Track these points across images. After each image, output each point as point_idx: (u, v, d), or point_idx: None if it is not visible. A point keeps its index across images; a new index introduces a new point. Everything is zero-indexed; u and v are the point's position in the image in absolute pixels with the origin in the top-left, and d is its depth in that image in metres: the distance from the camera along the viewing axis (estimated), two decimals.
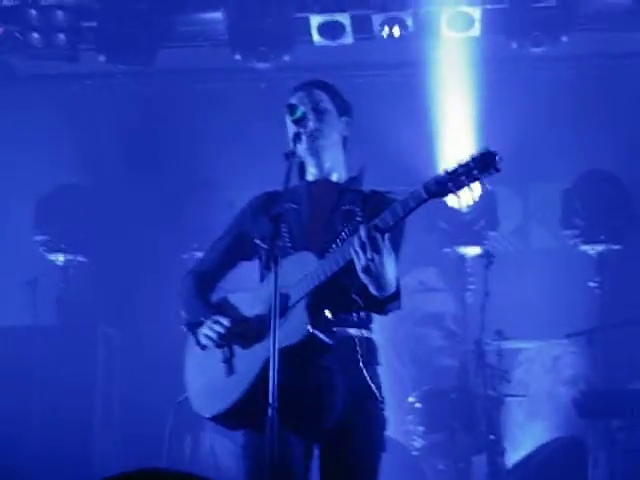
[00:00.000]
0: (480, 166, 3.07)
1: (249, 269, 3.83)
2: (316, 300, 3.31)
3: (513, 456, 6.57)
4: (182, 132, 8.06)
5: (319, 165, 3.63)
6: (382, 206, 3.39)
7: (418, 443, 6.45)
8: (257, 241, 3.62)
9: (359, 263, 3.14)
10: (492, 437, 6.23)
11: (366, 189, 3.63)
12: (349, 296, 3.40)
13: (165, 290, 5.21)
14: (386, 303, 3.29)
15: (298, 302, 3.32)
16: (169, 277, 5.52)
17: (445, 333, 7.87)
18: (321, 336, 3.28)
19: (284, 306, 3.32)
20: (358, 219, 3.48)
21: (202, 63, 8.13)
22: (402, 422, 6.32)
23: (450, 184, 3.11)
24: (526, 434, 7.36)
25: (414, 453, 6.45)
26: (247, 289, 3.63)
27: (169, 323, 4.63)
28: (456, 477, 6.33)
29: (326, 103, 3.65)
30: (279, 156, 3.68)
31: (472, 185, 3.11)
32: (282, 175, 3.51)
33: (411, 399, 6.53)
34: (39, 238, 7.85)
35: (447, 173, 3.12)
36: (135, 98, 8.33)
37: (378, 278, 3.18)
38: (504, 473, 6.26)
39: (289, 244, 3.47)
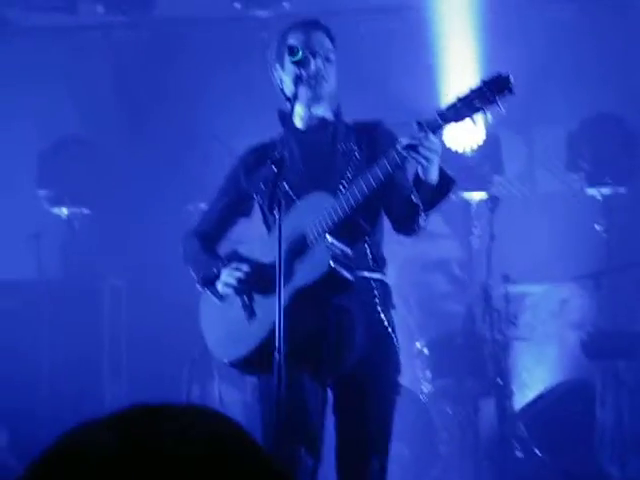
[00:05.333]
0: (494, 89, 3.08)
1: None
2: (335, 236, 3.33)
3: (520, 399, 6.61)
4: (183, 82, 8.00)
5: (314, 111, 3.61)
6: (377, 138, 3.42)
7: (426, 388, 6.48)
8: (256, 195, 3.62)
9: (422, 161, 3.19)
10: (500, 381, 6.26)
11: (349, 120, 3.63)
12: (367, 230, 3.43)
13: (170, 241, 5.21)
14: (443, 188, 3.31)
15: (317, 240, 3.33)
16: (173, 228, 5.53)
17: (451, 279, 7.87)
18: (343, 271, 3.30)
19: (302, 246, 3.34)
20: (356, 156, 3.50)
21: (202, 12, 8.05)
22: (410, 368, 6.34)
23: (463, 109, 3.12)
24: (533, 377, 7.39)
25: (422, 398, 6.48)
26: (255, 239, 3.63)
27: (175, 273, 4.63)
28: (464, 421, 6.36)
29: (330, 49, 3.62)
30: (280, 105, 3.65)
31: (487, 109, 3.11)
32: (279, 125, 3.49)
33: (418, 345, 6.55)
34: (42, 192, 7.83)
35: (459, 99, 3.13)
36: (134, 49, 8.26)
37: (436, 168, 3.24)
38: (512, 416, 6.29)
39: (289, 191, 3.47)
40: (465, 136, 7.13)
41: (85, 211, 7.95)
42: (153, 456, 0.95)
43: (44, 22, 8.11)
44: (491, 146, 7.39)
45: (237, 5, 7.49)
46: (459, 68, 7.41)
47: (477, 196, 7.48)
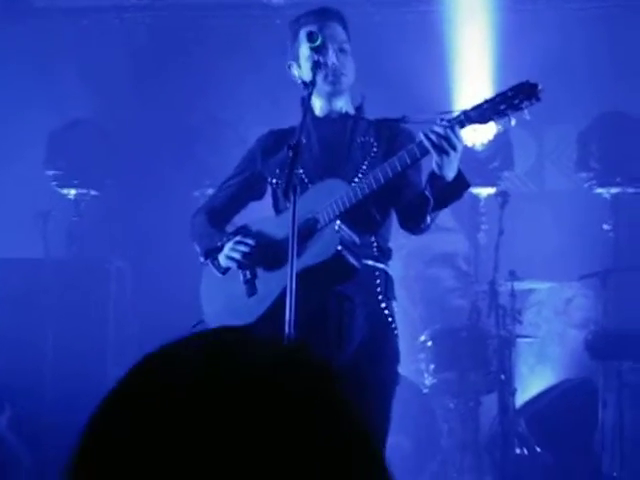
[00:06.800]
0: (522, 95, 3.10)
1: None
2: (345, 222, 3.34)
3: (522, 397, 6.60)
4: (194, 68, 7.99)
5: (335, 104, 3.62)
6: (396, 135, 3.42)
7: (428, 381, 6.47)
8: (271, 178, 3.62)
9: (441, 152, 3.18)
10: (503, 377, 6.25)
11: (372, 117, 3.64)
12: (376, 221, 3.43)
13: (176, 225, 5.21)
14: (456, 188, 3.31)
15: (327, 224, 3.34)
16: (181, 213, 5.52)
17: (457, 273, 7.85)
18: (349, 257, 3.31)
19: (313, 229, 3.35)
20: (374, 150, 3.51)
21: None
22: (413, 360, 6.34)
23: (489, 111, 3.15)
24: (536, 375, 7.38)
25: (424, 391, 6.48)
26: (264, 218, 3.63)
27: (181, 257, 4.64)
28: (466, 415, 6.36)
29: (344, 40, 3.62)
30: (292, 93, 3.65)
31: (513, 115, 3.14)
32: (295, 111, 3.49)
33: (422, 337, 6.55)
34: (51, 172, 7.84)
35: (486, 101, 3.16)
36: (147, 32, 8.25)
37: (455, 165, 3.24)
38: (513, 413, 6.28)
39: (304, 177, 3.47)
40: (476, 131, 7.11)
41: (93, 192, 7.95)
42: (242, 382, 0.94)
43: (59, 3, 8.10)
44: (502, 141, 7.37)
45: None
46: (472, 62, 7.40)
47: (486, 191, 7.46)
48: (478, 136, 7.12)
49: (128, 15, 8.23)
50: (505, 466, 6.13)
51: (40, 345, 6.83)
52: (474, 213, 7.60)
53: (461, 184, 3.30)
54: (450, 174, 3.24)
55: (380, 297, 3.48)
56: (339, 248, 3.30)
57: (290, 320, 3.04)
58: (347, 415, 1.00)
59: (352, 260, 3.34)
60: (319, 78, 3.51)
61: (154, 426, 0.93)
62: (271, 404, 0.93)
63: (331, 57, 3.53)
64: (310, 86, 3.42)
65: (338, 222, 3.34)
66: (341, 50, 3.58)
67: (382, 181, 3.30)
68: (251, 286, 3.50)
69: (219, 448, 0.90)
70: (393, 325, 3.50)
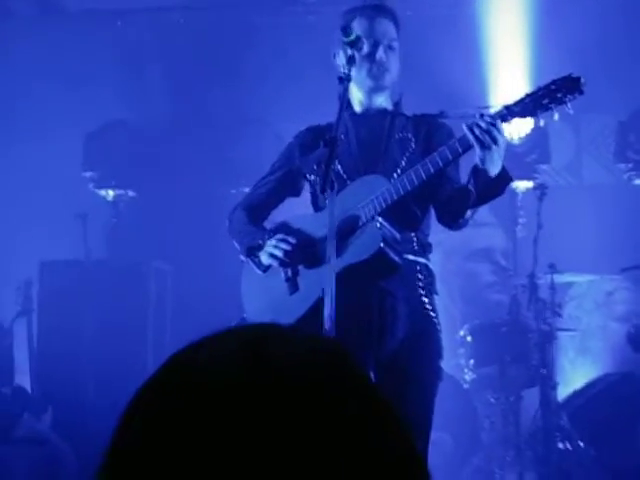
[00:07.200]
0: (565, 89, 3.07)
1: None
2: (386, 218, 3.33)
3: (564, 391, 6.55)
4: (230, 66, 8.00)
5: (375, 100, 3.60)
6: (434, 131, 3.40)
7: (469, 376, 6.44)
8: (309, 175, 3.62)
9: (484, 147, 3.17)
10: (544, 371, 6.21)
11: (409, 113, 3.63)
12: (416, 216, 3.43)
13: (215, 225, 5.22)
14: (500, 183, 3.30)
15: (369, 221, 3.33)
16: (218, 212, 5.53)
17: (495, 268, 7.81)
18: (391, 254, 3.31)
19: (355, 226, 3.35)
20: (413, 146, 3.50)
21: None
22: (453, 355, 6.31)
23: (531, 105, 3.13)
24: (577, 369, 7.33)
25: (465, 386, 6.45)
26: (305, 215, 3.63)
27: (219, 256, 4.64)
28: (507, 410, 6.33)
29: (394, 37, 3.60)
30: (328, 90, 3.65)
31: (556, 108, 3.11)
32: (333, 111, 3.49)
33: (462, 332, 6.52)
34: (88, 174, 7.89)
35: (527, 95, 3.14)
36: (183, 32, 8.28)
37: (498, 160, 3.23)
38: (556, 407, 6.24)
39: (342, 173, 3.47)
40: (513, 124, 7.06)
41: (131, 193, 8.00)
42: (282, 379, 0.94)
43: (93, 5, 8.15)
44: (539, 134, 7.32)
45: None
46: (508, 54, 7.35)
47: (523, 185, 7.41)
48: (515, 129, 7.08)
49: (161, 15, 8.27)
50: (548, 461, 6.09)
51: (81, 347, 6.88)
52: (512, 207, 7.55)
53: (504, 179, 3.28)
54: (493, 169, 3.22)
55: (422, 292, 3.47)
56: (381, 245, 3.30)
57: (329, 317, 3.03)
58: (389, 425, 0.98)
59: (394, 256, 3.33)
60: (363, 72, 3.51)
61: (184, 429, 0.91)
62: (307, 413, 0.92)
63: (379, 52, 3.52)
64: (345, 80, 3.41)
65: (380, 219, 3.34)
66: (390, 47, 3.57)
67: (424, 177, 3.28)
68: (293, 284, 3.49)
69: (250, 454, 0.89)
70: (436, 320, 3.49)
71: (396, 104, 3.64)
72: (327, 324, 3.00)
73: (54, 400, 6.51)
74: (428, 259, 3.53)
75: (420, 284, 3.46)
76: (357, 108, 3.63)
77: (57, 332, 6.91)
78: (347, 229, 3.35)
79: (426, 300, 3.47)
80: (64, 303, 6.98)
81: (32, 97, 7.86)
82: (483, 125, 3.15)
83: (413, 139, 3.54)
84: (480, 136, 3.15)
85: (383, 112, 3.60)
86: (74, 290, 7.00)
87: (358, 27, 3.54)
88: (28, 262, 7.25)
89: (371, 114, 3.61)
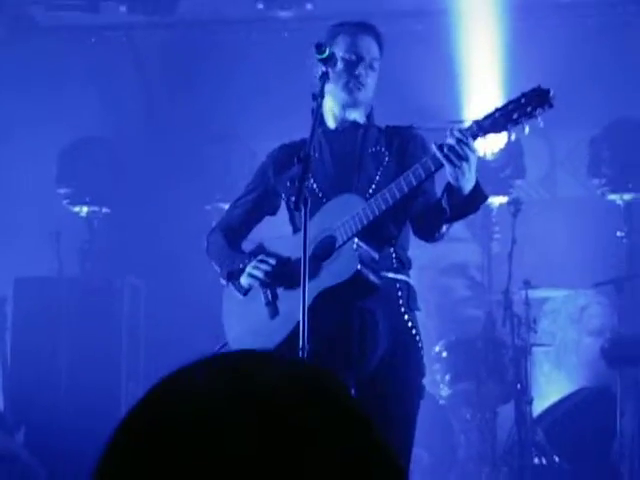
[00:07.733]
0: (534, 102, 3.05)
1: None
2: (363, 239, 3.32)
3: (539, 406, 6.56)
4: (204, 83, 7.99)
5: (349, 114, 3.59)
6: (407, 142, 3.40)
7: (445, 392, 6.44)
8: (284, 193, 3.61)
9: (455, 165, 3.14)
10: (519, 386, 6.22)
11: (381, 125, 3.62)
12: (393, 233, 3.41)
13: (189, 241, 5.20)
14: (474, 201, 3.28)
15: (346, 242, 3.32)
16: (193, 228, 5.52)
17: (470, 283, 7.83)
18: (369, 275, 3.29)
19: (331, 247, 3.34)
20: (386, 160, 3.49)
21: (224, 13, 8.04)
22: (429, 371, 6.30)
23: (501, 120, 3.10)
24: (552, 384, 7.34)
25: (441, 402, 6.45)
26: (283, 236, 3.62)
27: (194, 273, 4.62)
28: (483, 426, 6.33)
29: (376, 57, 3.59)
30: (301, 106, 3.63)
31: (526, 122, 3.09)
32: (304, 126, 3.47)
33: (437, 348, 6.52)
34: (62, 191, 7.85)
35: (497, 109, 3.11)
36: (157, 49, 8.26)
37: (470, 177, 3.19)
38: (531, 422, 6.25)
39: (317, 189, 3.46)
40: (486, 139, 7.08)
41: (105, 210, 7.96)
42: (262, 403, 0.93)
43: (66, 21, 8.12)
44: (513, 149, 7.34)
45: (260, 5, 7.48)
46: (480, 71, 7.38)
47: (498, 200, 7.43)
48: (489, 145, 7.10)
49: (138, 33, 8.25)
50: (523, 476, 6.09)
51: (54, 363, 6.83)
52: (487, 222, 7.57)
53: (478, 197, 3.27)
54: (466, 186, 3.20)
55: (402, 309, 3.44)
56: (359, 267, 3.28)
57: (304, 339, 3.02)
58: (372, 447, 0.98)
59: (372, 277, 3.31)
60: (340, 85, 3.50)
61: (163, 461, 0.92)
62: (290, 441, 0.92)
63: (360, 68, 3.51)
64: (318, 97, 3.40)
65: (356, 240, 3.32)
66: (370, 66, 3.56)
67: (397, 196, 3.27)
68: (273, 308, 3.48)
69: None
70: (417, 337, 3.46)
71: (368, 116, 3.63)
72: (301, 351, 2.99)
73: (27, 419, 6.45)
74: (408, 275, 3.51)
75: (400, 301, 3.44)
76: (330, 123, 3.62)
77: (30, 349, 6.85)
78: (324, 250, 3.34)
79: (406, 317, 3.45)
80: (38, 320, 6.93)
81: (4, 113, 7.81)
82: (452, 142, 3.13)
83: (386, 152, 3.53)
84: (449, 154, 3.13)
85: (356, 126, 3.59)
86: (48, 307, 6.95)
87: (342, 42, 3.54)
88: (2, 279, 7.20)
89: (344, 128, 3.60)
